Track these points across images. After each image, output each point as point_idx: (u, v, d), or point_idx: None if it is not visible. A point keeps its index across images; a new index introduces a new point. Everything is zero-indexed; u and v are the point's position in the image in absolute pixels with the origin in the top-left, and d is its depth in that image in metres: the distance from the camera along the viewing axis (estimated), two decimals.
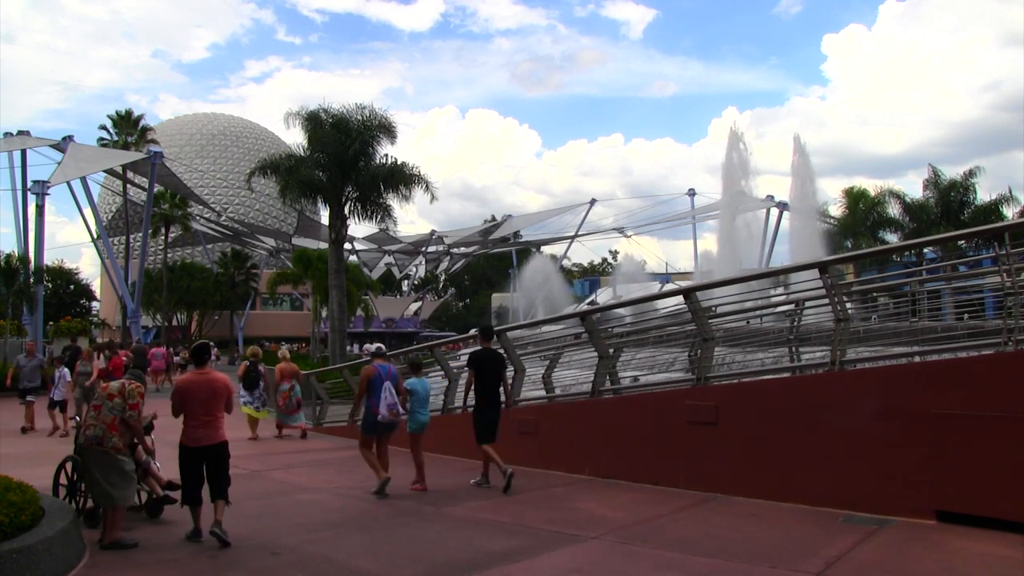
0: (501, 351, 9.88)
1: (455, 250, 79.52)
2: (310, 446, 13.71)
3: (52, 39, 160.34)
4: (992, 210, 34.78)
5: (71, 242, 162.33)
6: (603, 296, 55.03)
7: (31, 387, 14.85)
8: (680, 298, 8.85)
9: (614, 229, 67.76)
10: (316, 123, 26.91)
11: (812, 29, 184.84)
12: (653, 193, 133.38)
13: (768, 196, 53.05)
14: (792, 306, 8.92)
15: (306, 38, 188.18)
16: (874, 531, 6.19)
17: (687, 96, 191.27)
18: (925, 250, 28.68)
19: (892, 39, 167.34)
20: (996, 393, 6.16)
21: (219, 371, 7.31)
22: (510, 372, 10.97)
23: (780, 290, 12.93)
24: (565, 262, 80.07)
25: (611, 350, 9.92)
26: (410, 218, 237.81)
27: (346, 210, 28.03)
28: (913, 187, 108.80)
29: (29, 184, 37.56)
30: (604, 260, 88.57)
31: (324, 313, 40.95)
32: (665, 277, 62.07)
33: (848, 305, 8.19)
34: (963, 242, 26.78)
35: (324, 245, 40.49)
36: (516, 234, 76.83)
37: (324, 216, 40.85)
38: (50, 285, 52.91)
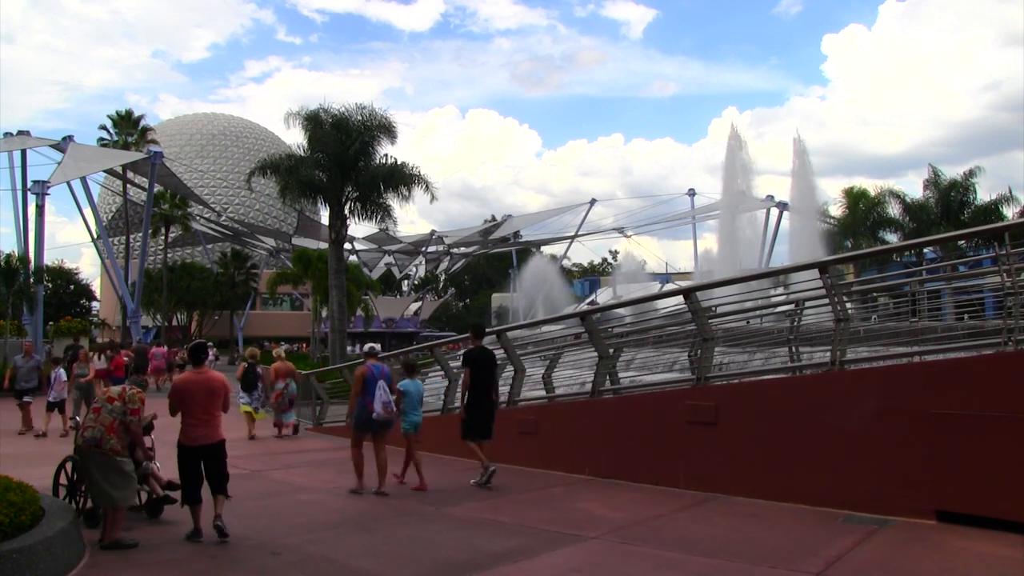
0: (492, 350, 9.95)
1: (455, 250, 79.52)
2: (310, 446, 13.73)
3: (52, 39, 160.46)
4: (992, 210, 34.78)
5: (71, 242, 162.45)
6: (603, 296, 55.00)
7: (28, 388, 14.69)
8: (680, 298, 8.85)
9: (614, 229, 67.79)
10: (316, 123, 26.91)
11: (812, 29, 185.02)
12: (653, 193, 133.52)
13: (768, 196, 53.07)
14: (792, 306, 8.91)
15: (306, 38, 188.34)
16: (874, 531, 6.19)
17: (687, 96, 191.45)
18: (925, 250, 28.67)
19: (892, 39, 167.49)
20: (996, 393, 6.16)
21: (218, 371, 7.34)
22: (509, 372, 11.00)
23: (780, 290, 12.93)
24: (565, 262, 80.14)
25: (611, 350, 9.93)
26: (410, 218, 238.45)
27: (346, 210, 28.03)
28: (913, 187, 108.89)
29: (29, 184, 37.54)
30: (604, 260, 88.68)
31: (324, 313, 40.95)
32: (665, 277, 62.05)
33: (848, 305, 8.19)
34: (963, 242, 26.78)
35: (324, 245, 40.49)
36: (516, 234, 76.84)
37: (324, 216, 40.86)
38: (50, 285, 52.92)
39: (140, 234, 48.19)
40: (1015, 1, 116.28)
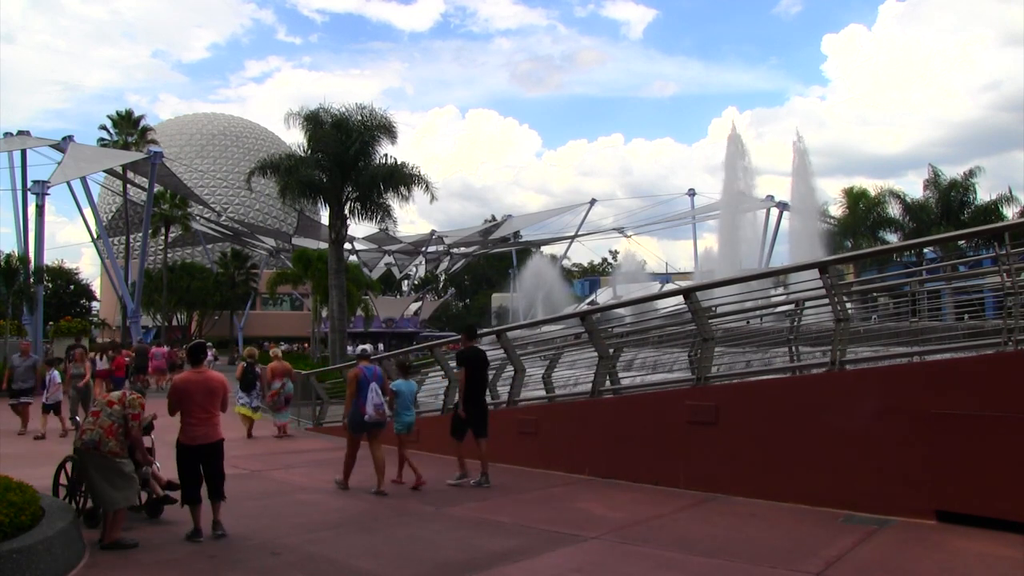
0: (484, 350, 10.05)
1: (455, 250, 79.51)
2: (310, 446, 13.73)
3: (52, 39, 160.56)
4: (992, 210, 34.78)
5: (71, 242, 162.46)
6: (603, 296, 54.99)
7: (24, 388, 14.46)
8: (680, 298, 8.85)
9: (614, 229, 67.79)
10: (316, 123, 26.90)
11: (812, 29, 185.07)
12: (653, 193, 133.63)
13: (768, 196, 53.07)
14: (792, 306, 8.92)
15: (306, 38, 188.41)
16: (874, 531, 6.19)
17: (687, 96, 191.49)
18: (925, 250, 28.67)
19: (892, 39, 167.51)
20: (996, 393, 6.16)
21: (217, 371, 7.36)
22: (510, 372, 11.01)
23: (780, 290, 12.93)
24: (565, 262, 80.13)
25: (611, 350, 9.93)
26: (410, 218, 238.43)
27: (346, 210, 28.02)
28: (913, 187, 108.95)
29: (29, 184, 37.48)
30: (604, 260, 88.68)
31: (324, 313, 40.94)
32: (665, 277, 62.04)
33: (848, 305, 8.19)
34: (963, 242, 26.78)
35: (324, 245, 40.48)
36: (516, 234, 76.83)
37: (324, 216, 40.81)
38: (50, 285, 52.89)
39: (140, 234, 48.15)
40: (1015, 1, 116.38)
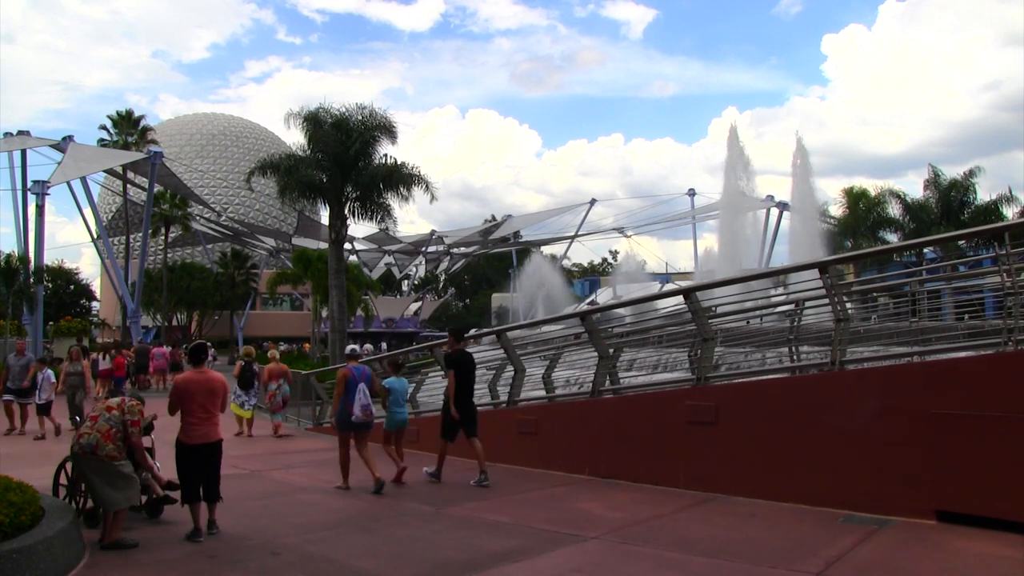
0: (471, 353, 10.15)
1: (455, 250, 79.53)
2: (310, 446, 13.73)
3: (52, 39, 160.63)
4: (992, 210, 34.79)
5: (71, 242, 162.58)
6: (603, 296, 54.99)
7: (21, 388, 14.37)
8: (680, 298, 8.85)
9: (614, 229, 67.85)
10: (316, 123, 26.87)
11: (812, 29, 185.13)
12: (653, 193, 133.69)
13: (768, 196, 53.07)
14: (792, 306, 8.92)
15: (306, 38, 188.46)
16: (874, 531, 6.19)
17: (687, 96, 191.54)
18: (925, 250, 28.66)
19: (892, 39, 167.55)
20: (996, 393, 6.16)
21: (217, 371, 7.37)
22: (510, 372, 11.01)
23: (780, 290, 12.93)
24: (565, 262, 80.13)
25: (611, 350, 9.93)
26: (410, 218, 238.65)
27: (346, 210, 28.00)
28: (913, 187, 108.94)
29: (29, 184, 37.55)
30: (604, 260, 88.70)
31: (324, 313, 40.93)
32: (665, 277, 62.06)
33: (848, 305, 8.19)
34: (963, 242, 26.78)
35: (324, 245, 40.47)
36: (516, 234, 76.84)
37: (324, 216, 40.85)
38: (50, 285, 52.95)
39: (140, 234, 48.18)
40: (1015, 1, 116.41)
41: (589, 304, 36.18)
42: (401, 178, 27.23)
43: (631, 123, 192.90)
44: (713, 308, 8.88)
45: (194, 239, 65.74)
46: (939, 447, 6.37)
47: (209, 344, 7.97)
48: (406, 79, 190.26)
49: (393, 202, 27.81)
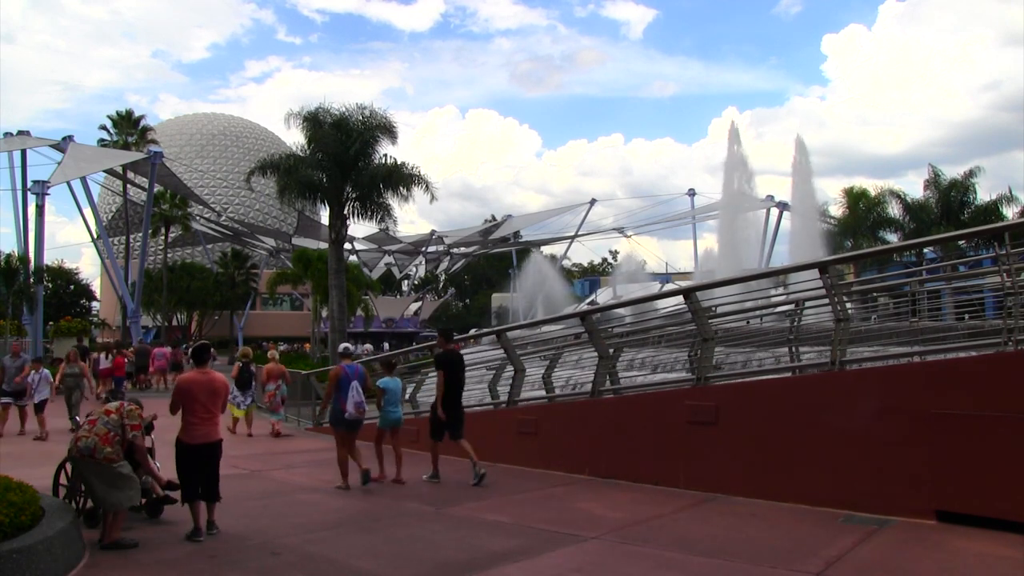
0: (461, 353, 10.22)
1: (455, 250, 79.53)
2: (310, 446, 13.72)
3: (52, 39, 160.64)
4: (992, 210, 34.76)
5: (71, 242, 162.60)
6: (603, 296, 54.96)
7: (17, 389, 14.21)
8: (680, 298, 8.84)
9: (614, 229, 67.85)
10: (316, 123, 26.88)
11: (812, 29, 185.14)
12: (653, 193, 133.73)
13: (768, 196, 53.08)
14: (792, 306, 8.92)
15: (306, 38, 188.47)
16: (874, 531, 6.19)
17: (687, 96, 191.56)
18: (925, 250, 28.66)
19: (892, 39, 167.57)
20: (996, 393, 6.15)
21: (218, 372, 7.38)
22: (510, 372, 11.00)
23: (780, 290, 12.93)
24: (565, 262, 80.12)
25: (611, 350, 9.92)
26: (410, 218, 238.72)
27: (346, 210, 28.01)
28: (913, 187, 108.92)
29: (29, 184, 37.55)
30: (604, 260, 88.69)
31: (324, 313, 40.92)
32: (665, 277, 62.04)
33: (848, 305, 8.19)
34: (963, 242, 26.77)
35: (324, 245, 40.48)
36: (516, 234, 76.84)
37: (324, 216, 40.85)
38: (50, 285, 52.94)
39: (140, 234, 48.18)
40: (1015, 1, 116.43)
41: (589, 304, 36.17)
42: (401, 178, 27.24)
43: (631, 123, 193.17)
44: (713, 308, 8.87)
45: (194, 239, 65.76)
46: (939, 447, 6.37)
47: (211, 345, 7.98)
48: (406, 79, 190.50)
49: (393, 202, 27.85)
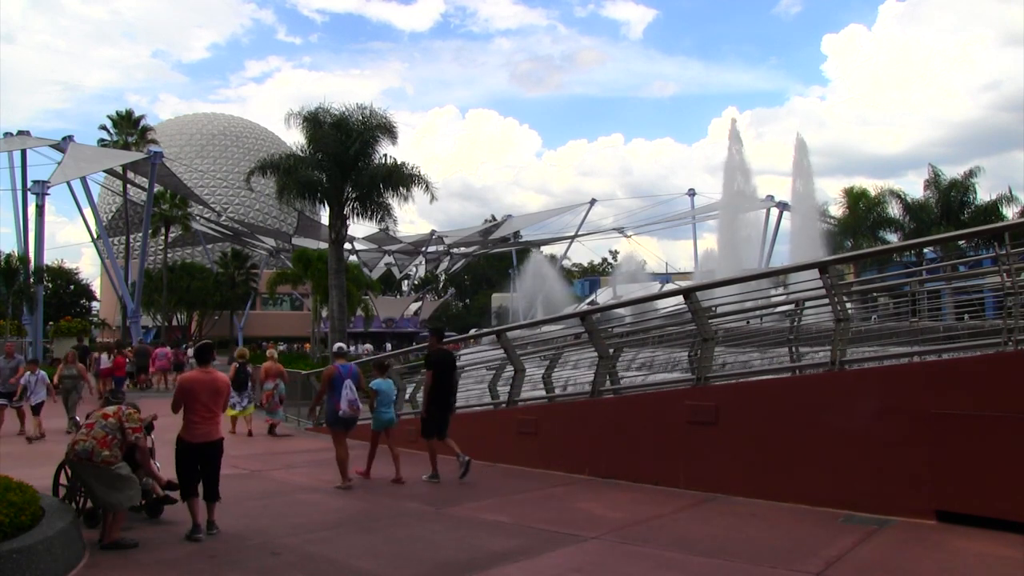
0: (453, 352, 10.35)
1: (455, 250, 79.53)
2: (310, 446, 13.72)
3: (52, 39, 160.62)
4: (992, 210, 34.75)
5: (71, 242, 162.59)
6: (603, 296, 54.95)
7: (11, 391, 14.06)
8: (680, 298, 8.85)
9: (614, 229, 67.86)
10: (316, 123, 26.92)
11: (812, 29, 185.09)
12: (653, 193, 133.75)
13: (768, 196, 53.09)
14: (792, 306, 8.92)
15: (306, 38, 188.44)
16: (874, 531, 6.19)
17: (687, 96, 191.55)
18: (925, 250, 28.66)
19: (892, 39, 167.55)
20: (996, 393, 6.16)
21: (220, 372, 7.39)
22: (509, 372, 11.00)
23: (780, 290, 12.93)
24: (565, 262, 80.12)
25: (611, 350, 9.92)
26: (410, 218, 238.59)
27: (346, 210, 28.04)
28: (913, 187, 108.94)
29: (29, 184, 37.62)
30: (604, 260, 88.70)
31: (324, 313, 40.94)
32: (665, 277, 62.05)
33: (848, 305, 8.19)
34: (963, 242, 26.76)
35: (324, 245, 40.51)
36: (516, 234, 76.85)
37: (324, 216, 40.86)
38: (50, 285, 52.97)
39: (140, 234, 48.19)
40: (1015, 1, 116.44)
41: (589, 304, 36.17)
42: (401, 178, 27.27)
43: (631, 123, 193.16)
44: (713, 308, 8.87)
45: (194, 239, 65.74)
46: (939, 447, 6.37)
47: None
48: (406, 79, 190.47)
49: (393, 202, 27.91)
